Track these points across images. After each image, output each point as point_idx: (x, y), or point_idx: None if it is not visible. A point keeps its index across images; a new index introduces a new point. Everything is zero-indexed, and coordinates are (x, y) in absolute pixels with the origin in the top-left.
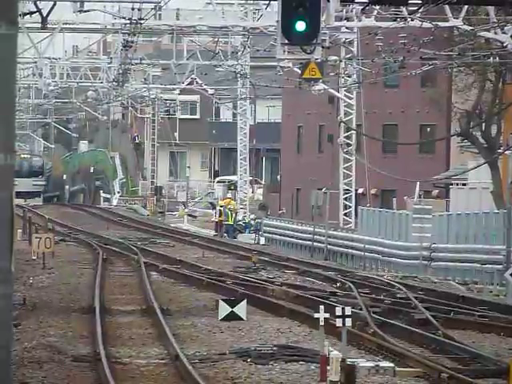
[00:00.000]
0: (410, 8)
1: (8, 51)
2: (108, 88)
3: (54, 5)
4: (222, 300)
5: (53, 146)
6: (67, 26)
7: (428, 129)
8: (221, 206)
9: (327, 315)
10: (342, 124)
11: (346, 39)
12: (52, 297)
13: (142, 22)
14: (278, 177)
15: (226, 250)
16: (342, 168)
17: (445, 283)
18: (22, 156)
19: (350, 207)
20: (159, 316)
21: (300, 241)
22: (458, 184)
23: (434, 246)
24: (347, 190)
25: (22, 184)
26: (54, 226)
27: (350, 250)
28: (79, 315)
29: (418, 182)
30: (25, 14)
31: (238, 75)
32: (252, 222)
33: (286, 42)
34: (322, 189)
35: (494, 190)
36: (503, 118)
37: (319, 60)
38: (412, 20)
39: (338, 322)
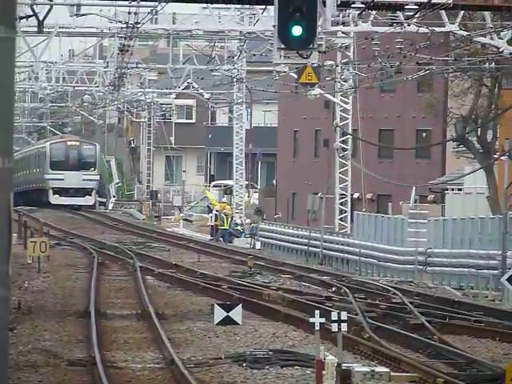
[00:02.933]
0: (407, 13)
1: (6, 54)
2: (104, 92)
3: (51, 9)
4: (218, 304)
5: None
6: (63, 29)
7: (424, 134)
8: (216, 211)
9: (323, 320)
10: (338, 129)
11: (343, 44)
12: (47, 301)
13: (138, 26)
14: (274, 181)
15: (222, 255)
16: (338, 173)
17: (440, 288)
18: (69, 143)
19: (345, 212)
20: (155, 320)
21: (296, 245)
22: (453, 189)
23: (429, 250)
24: (343, 194)
25: (69, 178)
26: (50, 229)
27: (345, 255)
28: (74, 319)
29: (414, 187)
30: (21, 18)
31: (234, 80)
32: (240, 228)
33: (283, 46)
34: (317, 193)
35: (490, 195)
36: (499, 124)
37: (315, 65)
38: (408, 25)
39: (334, 327)
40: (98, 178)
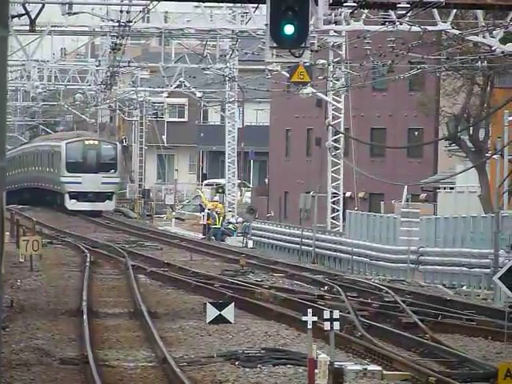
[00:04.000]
0: (399, 12)
1: None
2: (96, 91)
3: (43, 7)
4: (210, 303)
5: None
6: (55, 28)
7: (416, 132)
8: (208, 209)
9: (315, 318)
10: (330, 127)
11: (335, 43)
12: (40, 299)
13: (130, 24)
14: (266, 180)
15: (214, 253)
16: (330, 171)
17: (432, 287)
18: (87, 142)
19: (337, 211)
20: (147, 319)
21: (288, 244)
22: (445, 188)
23: (421, 249)
24: (335, 193)
25: (87, 182)
26: (42, 228)
27: (337, 254)
28: (67, 318)
29: (406, 186)
30: (13, 17)
31: (227, 78)
32: (232, 226)
33: (275, 45)
34: (310, 192)
35: (482, 194)
36: (491, 122)
37: (308, 63)
38: (400, 24)
39: (326, 326)
40: (118, 180)
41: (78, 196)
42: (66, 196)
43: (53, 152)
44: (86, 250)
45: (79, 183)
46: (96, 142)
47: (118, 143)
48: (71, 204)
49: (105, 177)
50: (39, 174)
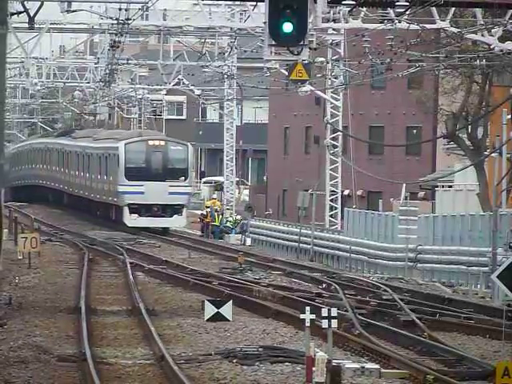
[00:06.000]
0: (397, 10)
1: None
2: (94, 88)
3: (42, 5)
4: (208, 301)
5: None
6: (54, 25)
7: (414, 131)
8: (207, 207)
9: (313, 316)
10: (329, 125)
11: (333, 41)
12: (38, 297)
13: (129, 22)
14: (265, 178)
15: (212, 251)
16: (329, 169)
17: (430, 285)
18: (151, 143)
19: (336, 208)
20: (145, 316)
21: (286, 242)
22: (444, 186)
23: (419, 247)
24: (333, 191)
25: (151, 192)
26: (40, 225)
27: (336, 252)
28: (65, 315)
29: (404, 184)
30: (12, 14)
31: (225, 76)
32: (230, 224)
33: (273, 43)
34: (308, 190)
35: (480, 192)
36: (489, 121)
37: (306, 61)
38: (399, 22)
39: (324, 324)
40: (190, 190)
41: (139, 210)
42: (125, 210)
43: (107, 154)
44: (85, 248)
45: (141, 193)
46: (162, 143)
47: (188, 144)
48: (131, 220)
49: (173, 186)
50: (85, 181)
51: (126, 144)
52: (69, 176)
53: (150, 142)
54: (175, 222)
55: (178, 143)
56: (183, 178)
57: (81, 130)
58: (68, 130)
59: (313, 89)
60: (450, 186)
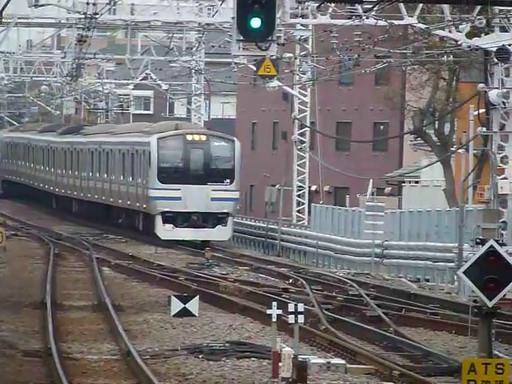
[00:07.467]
0: (365, 6)
1: None
2: (61, 82)
3: None
4: (175, 296)
5: None
6: (22, 20)
7: (381, 126)
8: None
9: (280, 312)
10: (296, 121)
11: (301, 36)
12: (3, 292)
13: (96, 16)
14: None
15: (179, 246)
16: (296, 165)
17: (397, 280)
18: (190, 137)
19: (303, 204)
20: (111, 312)
21: (253, 237)
22: (410, 182)
23: (386, 243)
24: (301, 186)
25: (190, 197)
26: (6, 220)
27: (303, 247)
28: (31, 310)
29: (371, 180)
30: None
31: (193, 71)
32: None
33: (241, 38)
34: (275, 185)
35: (447, 188)
36: (456, 117)
37: (274, 57)
38: (367, 18)
39: (291, 319)
40: (237, 196)
41: (175, 219)
42: (158, 219)
43: (134, 151)
44: (51, 243)
45: (178, 199)
46: (203, 137)
47: (235, 139)
48: (165, 231)
49: (216, 190)
50: (103, 184)
51: (159, 139)
52: (79, 179)
53: (189, 137)
54: (219, 234)
55: (223, 138)
56: (228, 180)
57: (90, 126)
58: (75, 126)
59: (281, 84)
60: (417, 182)
